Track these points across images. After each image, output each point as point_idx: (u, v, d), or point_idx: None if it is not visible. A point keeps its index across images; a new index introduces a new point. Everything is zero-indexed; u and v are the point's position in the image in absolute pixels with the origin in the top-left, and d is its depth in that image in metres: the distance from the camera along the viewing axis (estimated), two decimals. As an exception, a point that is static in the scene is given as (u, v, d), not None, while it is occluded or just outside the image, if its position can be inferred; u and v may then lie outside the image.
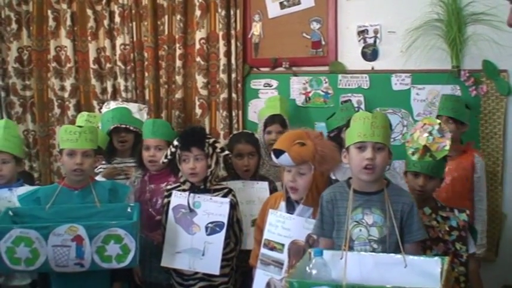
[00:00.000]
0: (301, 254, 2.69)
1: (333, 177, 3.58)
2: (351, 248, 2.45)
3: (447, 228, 2.98)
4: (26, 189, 3.37)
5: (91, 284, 3.00)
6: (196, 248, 3.12)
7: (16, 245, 2.79)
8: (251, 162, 3.55)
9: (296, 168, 2.75)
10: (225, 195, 3.21)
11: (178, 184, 3.30)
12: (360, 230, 2.48)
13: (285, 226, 2.80)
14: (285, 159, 2.71)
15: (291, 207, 2.85)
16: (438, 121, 2.86)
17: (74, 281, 2.96)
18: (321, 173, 2.76)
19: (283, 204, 2.89)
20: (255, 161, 3.58)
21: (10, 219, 2.99)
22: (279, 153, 2.72)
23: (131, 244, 2.86)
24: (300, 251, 2.74)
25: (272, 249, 2.81)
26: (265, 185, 3.51)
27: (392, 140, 2.98)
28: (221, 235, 3.10)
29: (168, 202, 3.24)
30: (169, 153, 3.22)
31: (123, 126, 3.88)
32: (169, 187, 3.34)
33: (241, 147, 3.55)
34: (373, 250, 2.45)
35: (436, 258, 2.27)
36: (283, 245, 2.79)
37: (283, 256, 2.78)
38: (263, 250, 2.84)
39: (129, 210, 3.11)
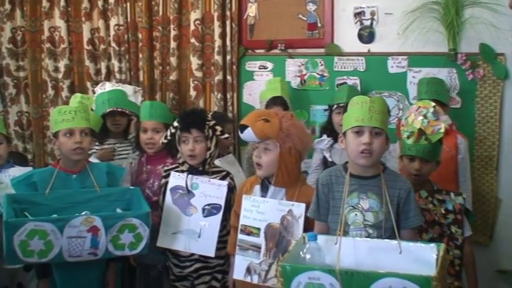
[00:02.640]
0: (278, 237, 2.75)
1: (330, 159, 3.63)
2: (346, 233, 2.44)
3: (443, 211, 2.99)
4: (17, 170, 3.36)
5: (89, 263, 2.97)
6: (192, 229, 3.12)
7: (30, 238, 2.73)
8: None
9: (262, 145, 2.81)
10: (222, 178, 3.21)
11: (176, 165, 3.29)
12: (356, 214, 2.48)
13: (259, 210, 2.83)
14: (248, 134, 2.77)
15: (265, 190, 2.89)
16: (433, 104, 2.84)
17: (74, 262, 2.92)
18: (288, 151, 2.78)
19: (257, 187, 2.93)
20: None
21: (11, 207, 2.94)
22: (243, 128, 2.78)
23: (144, 233, 2.90)
24: (275, 233, 2.78)
25: (249, 234, 2.84)
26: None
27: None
28: (218, 217, 3.10)
29: (166, 183, 3.23)
30: (168, 134, 3.20)
31: (119, 109, 3.87)
32: (167, 168, 3.34)
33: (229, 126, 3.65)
34: (369, 235, 2.45)
35: (432, 244, 2.25)
36: (259, 229, 2.82)
37: (260, 240, 2.81)
38: (240, 236, 2.86)
39: (129, 195, 3.13)
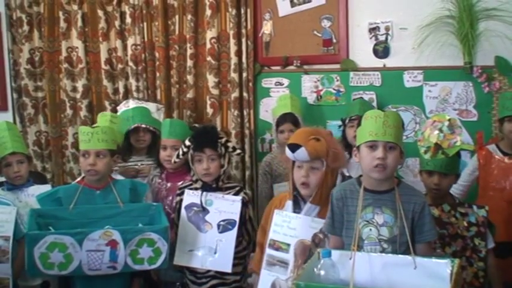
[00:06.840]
0: (307, 254, 2.70)
1: (347, 174, 3.59)
2: (360, 248, 2.42)
3: (466, 224, 2.97)
4: (36, 188, 3.41)
5: (113, 279, 3.00)
6: (208, 246, 3.13)
7: (50, 250, 2.79)
8: None
9: (309, 164, 2.75)
10: (236, 193, 3.22)
11: (190, 183, 3.30)
12: (370, 229, 2.45)
13: (290, 226, 2.78)
14: (302, 153, 2.70)
15: (297, 207, 2.84)
16: (448, 117, 2.82)
17: (96, 277, 2.94)
18: (331, 171, 2.76)
19: (289, 203, 2.86)
20: None
21: (34, 221, 2.99)
22: (295, 147, 2.71)
23: (163, 247, 2.91)
24: (306, 250, 2.74)
25: (277, 249, 2.79)
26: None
27: (404, 137, 2.96)
28: (233, 233, 3.11)
29: (181, 200, 3.24)
30: (180, 153, 3.22)
31: (144, 126, 3.89)
32: (181, 186, 3.35)
33: None
34: (383, 250, 2.42)
35: (446, 260, 2.24)
36: (288, 244, 2.77)
37: (289, 256, 2.76)
38: (268, 251, 2.81)
39: (152, 211, 3.15)
